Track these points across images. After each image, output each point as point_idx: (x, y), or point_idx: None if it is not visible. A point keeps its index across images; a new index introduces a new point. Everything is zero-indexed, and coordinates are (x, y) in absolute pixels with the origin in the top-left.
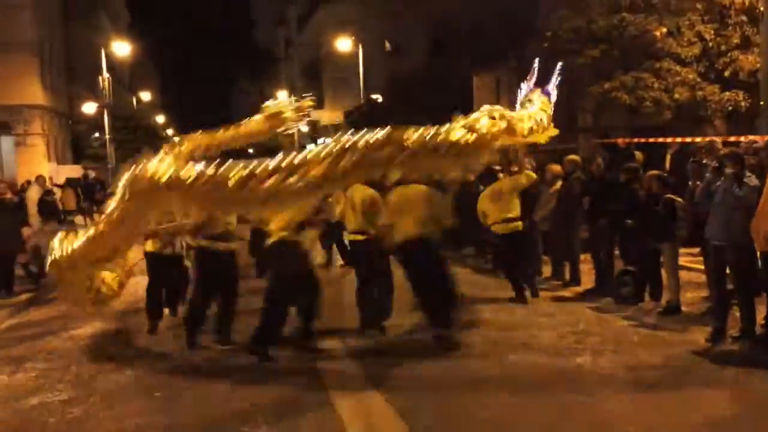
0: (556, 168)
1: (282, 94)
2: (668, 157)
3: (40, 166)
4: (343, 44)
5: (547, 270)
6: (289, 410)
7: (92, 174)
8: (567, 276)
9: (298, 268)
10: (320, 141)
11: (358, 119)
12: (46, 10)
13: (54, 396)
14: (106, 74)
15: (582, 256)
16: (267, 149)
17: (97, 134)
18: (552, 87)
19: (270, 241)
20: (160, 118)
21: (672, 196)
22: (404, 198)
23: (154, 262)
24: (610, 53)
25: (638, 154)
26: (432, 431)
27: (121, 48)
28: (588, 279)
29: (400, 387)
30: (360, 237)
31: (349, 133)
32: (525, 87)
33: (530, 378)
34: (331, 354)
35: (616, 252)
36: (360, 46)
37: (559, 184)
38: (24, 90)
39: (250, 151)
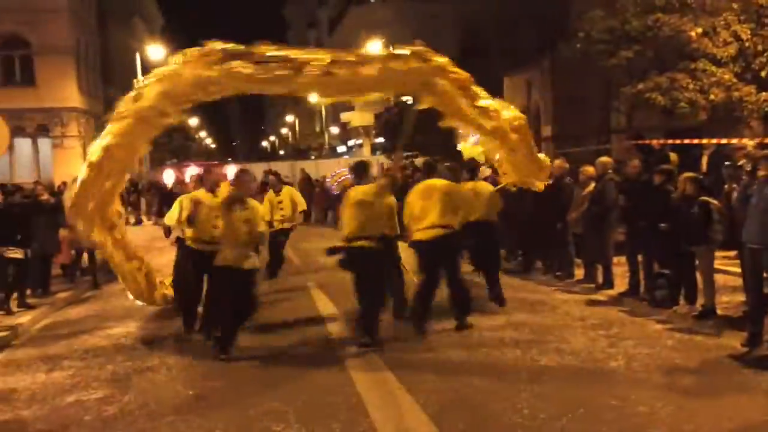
0: (590, 170)
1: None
2: (704, 158)
3: (76, 167)
4: (374, 46)
5: (579, 273)
6: (320, 411)
7: (127, 176)
8: (600, 279)
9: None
10: (350, 143)
11: (388, 121)
12: (83, 15)
13: (90, 394)
14: (140, 77)
15: (615, 259)
16: (298, 151)
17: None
18: None
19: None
20: (194, 121)
21: (707, 198)
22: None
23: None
24: (644, 54)
25: (673, 156)
26: None
27: (155, 51)
28: (621, 282)
29: (431, 390)
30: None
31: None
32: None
33: (562, 382)
34: (364, 356)
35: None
36: (391, 48)
37: (592, 186)
38: (61, 93)
39: (281, 152)
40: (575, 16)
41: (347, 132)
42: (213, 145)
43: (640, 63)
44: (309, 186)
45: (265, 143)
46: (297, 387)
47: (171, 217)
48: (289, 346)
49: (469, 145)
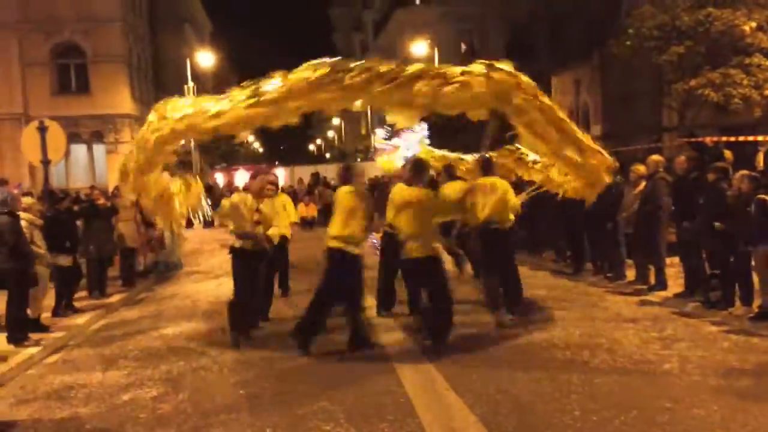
0: (641, 168)
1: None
2: (760, 156)
3: None
4: (419, 48)
5: (631, 273)
6: (369, 410)
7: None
8: (652, 280)
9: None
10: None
11: (433, 122)
12: (135, 24)
13: (145, 392)
14: (191, 83)
15: (668, 260)
16: (342, 154)
17: (182, 141)
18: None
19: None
20: None
21: (764, 196)
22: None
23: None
24: (695, 49)
25: (727, 153)
26: None
27: (205, 58)
28: (674, 283)
29: (479, 391)
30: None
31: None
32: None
33: (614, 384)
34: (412, 356)
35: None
36: (436, 49)
37: (643, 184)
38: (115, 100)
39: (327, 155)
40: (624, 13)
41: (393, 133)
42: (260, 149)
43: (692, 59)
44: None
45: (312, 147)
46: (346, 387)
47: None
48: (337, 347)
49: (385, 159)
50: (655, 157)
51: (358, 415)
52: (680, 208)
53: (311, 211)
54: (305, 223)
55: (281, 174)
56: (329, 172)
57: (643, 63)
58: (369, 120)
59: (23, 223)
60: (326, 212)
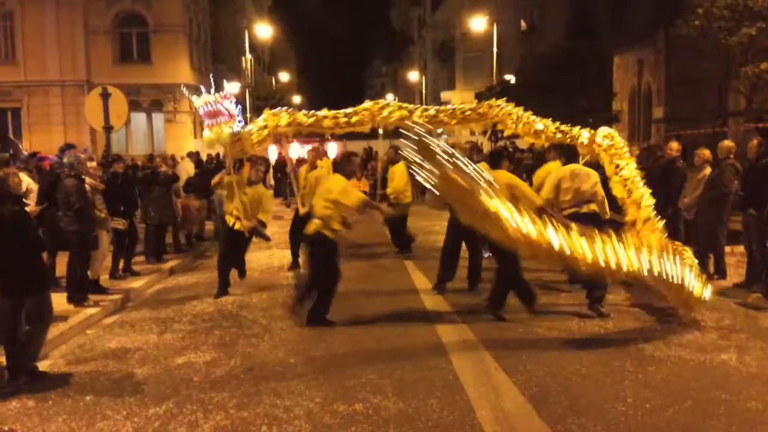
0: (706, 152)
1: (413, 75)
2: None
3: (186, 142)
4: (478, 24)
5: None
6: (417, 385)
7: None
8: (711, 269)
9: None
10: None
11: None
12: None
13: (198, 357)
14: (248, 55)
15: (727, 248)
16: (396, 130)
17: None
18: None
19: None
20: (297, 99)
21: None
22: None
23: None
24: None
25: None
26: (564, 421)
27: (263, 30)
28: (734, 272)
29: (529, 373)
30: None
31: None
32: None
33: (668, 372)
34: (460, 334)
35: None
36: (494, 26)
37: (707, 170)
38: (174, 70)
39: (380, 131)
40: None
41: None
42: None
43: (763, 41)
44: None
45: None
46: (394, 361)
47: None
48: (387, 321)
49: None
50: (727, 142)
51: (407, 389)
52: (748, 194)
53: (363, 185)
54: None
55: (333, 148)
56: (381, 147)
57: (710, 44)
58: (423, 97)
59: (86, 187)
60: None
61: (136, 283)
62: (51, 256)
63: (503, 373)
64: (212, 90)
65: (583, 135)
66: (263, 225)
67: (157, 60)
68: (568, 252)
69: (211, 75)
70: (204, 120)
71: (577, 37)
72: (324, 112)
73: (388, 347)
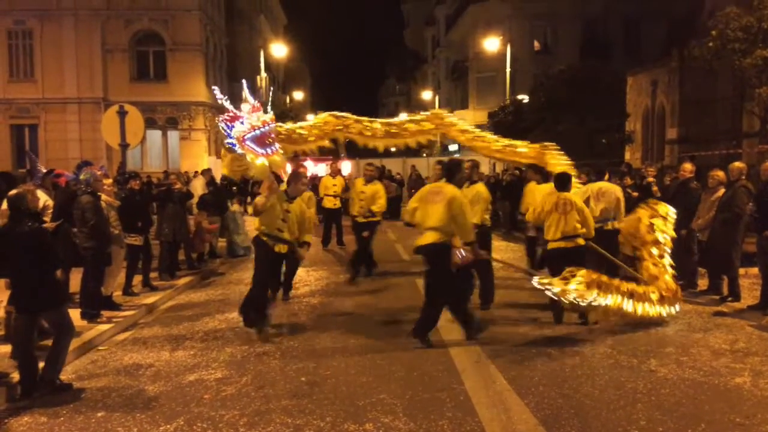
0: (720, 174)
1: (427, 94)
2: None
3: (201, 159)
4: (491, 44)
5: (703, 283)
6: (428, 406)
7: None
8: (725, 290)
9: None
10: None
11: (503, 120)
12: (212, 14)
13: (209, 374)
14: (264, 74)
15: (741, 270)
16: (409, 148)
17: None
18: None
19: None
20: (311, 117)
21: None
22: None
23: None
24: None
25: None
26: None
27: (279, 50)
28: (748, 294)
29: (541, 394)
30: None
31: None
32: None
33: (682, 395)
34: (472, 354)
35: None
36: (508, 46)
37: (721, 191)
38: (190, 88)
39: (392, 149)
40: (707, 14)
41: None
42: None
43: None
44: (420, 183)
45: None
46: (405, 381)
47: None
48: (398, 340)
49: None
50: (738, 163)
51: (418, 409)
52: (763, 216)
53: None
54: None
55: (347, 166)
56: (395, 166)
57: (724, 66)
58: None
59: (102, 204)
60: (391, 205)
61: (149, 300)
62: (65, 272)
63: (515, 395)
64: (226, 101)
65: (522, 149)
66: (307, 245)
67: (173, 78)
68: None
69: (225, 96)
70: (251, 147)
71: (590, 57)
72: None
73: (399, 367)
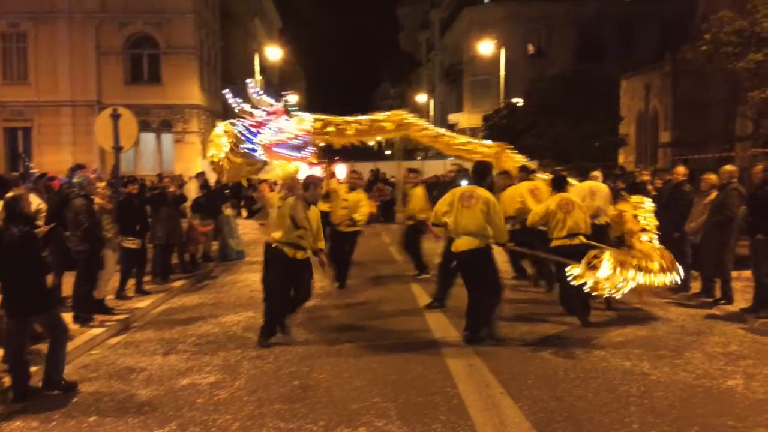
0: (712, 177)
1: (421, 97)
2: None
3: (195, 162)
4: (485, 47)
5: (696, 286)
6: (421, 409)
7: None
8: (717, 293)
9: None
10: None
11: (496, 124)
12: (206, 17)
13: (202, 378)
14: (258, 77)
15: (734, 273)
16: (404, 151)
17: None
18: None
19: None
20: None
21: None
22: None
23: None
24: None
25: None
26: None
27: (273, 53)
28: (741, 297)
29: (534, 397)
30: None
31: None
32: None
33: (674, 398)
34: (466, 357)
35: None
36: (502, 50)
37: (713, 194)
38: (184, 91)
39: (387, 152)
40: (700, 18)
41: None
42: (322, 144)
43: None
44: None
45: (372, 143)
46: (398, 384)
47: None
48: (392, 344)
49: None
50: (729, 167)
51: (411, 413)
52: (756, 219)
53: (372, 206)
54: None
55: (342, 169)
56: (390, 168)
57: (717, 70)
58: (431, 119)
59: (95, 207)
60: (385, 208)
61: (142, 303)
62: (57, 275)
63: (508, 398)
64: (242, 104)
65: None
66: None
67: (168, 81)
68: None
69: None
70: (284, 153)
71: (584, 61)
72: None
73: (392, 370)
